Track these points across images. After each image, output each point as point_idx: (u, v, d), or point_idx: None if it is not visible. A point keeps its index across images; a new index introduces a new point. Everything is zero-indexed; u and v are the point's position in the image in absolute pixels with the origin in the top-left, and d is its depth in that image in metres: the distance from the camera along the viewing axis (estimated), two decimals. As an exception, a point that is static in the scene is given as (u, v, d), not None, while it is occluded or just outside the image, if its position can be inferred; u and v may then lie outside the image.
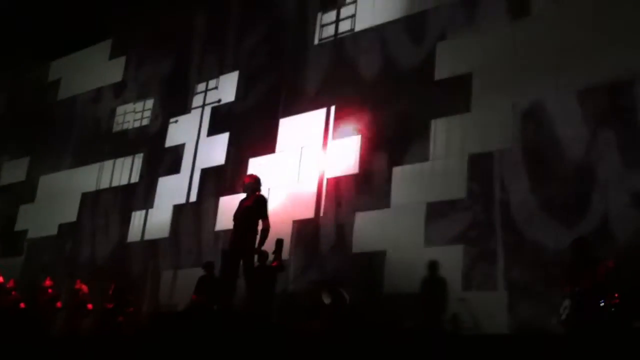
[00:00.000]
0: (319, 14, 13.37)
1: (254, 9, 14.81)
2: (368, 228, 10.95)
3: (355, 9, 12.79)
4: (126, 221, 14.97)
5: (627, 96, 8.91)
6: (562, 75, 9.53)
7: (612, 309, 6.88)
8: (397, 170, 10.95)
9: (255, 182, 8.48)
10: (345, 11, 12.97)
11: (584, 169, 8.97)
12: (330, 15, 13.18)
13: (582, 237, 7.84)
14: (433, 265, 9.70)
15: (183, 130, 14.93)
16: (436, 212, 10.19)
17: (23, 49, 18.63)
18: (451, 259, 9.68)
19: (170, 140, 15.12)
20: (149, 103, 16.15)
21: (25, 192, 17.89)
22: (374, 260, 10.58)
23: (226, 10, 15.39)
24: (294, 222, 11.88)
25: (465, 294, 9.41)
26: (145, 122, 16.03)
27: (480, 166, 9.97)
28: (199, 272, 11.25)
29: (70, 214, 16.38)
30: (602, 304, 6.86)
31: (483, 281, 9.42)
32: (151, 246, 14.26)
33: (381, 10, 12.31)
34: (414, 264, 9.84)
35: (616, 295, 6.97)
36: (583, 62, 9.40)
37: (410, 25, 11.73)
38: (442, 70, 10.96)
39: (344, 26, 12.87)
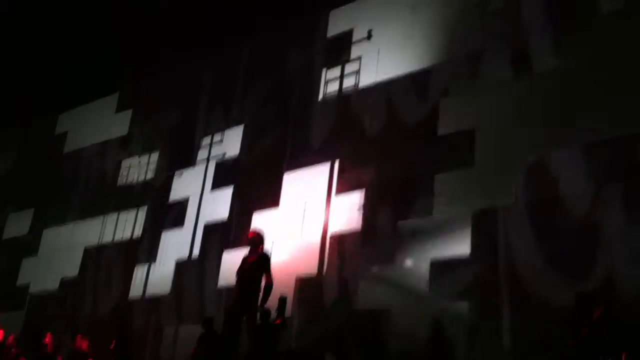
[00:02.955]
0: (324, 70, 13.52)
1: (260, 64, 15.01)
2: (372, 284, 10.84)
3: (360, 65, 12.94)
4: (128, 276, 14.88)
5: (631, 152, 8.89)
6: (565, 132, 9.55)
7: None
8: (401, 225, 10.90)
9: (259, 236, 8.50)
10: (349, 67, 13.11)
11: (589, 225, 8.88)
12: (335, 71, 13.33)
13: (587, 295, 7.78)
14: (438, 323, 9.57)
15: (187, 183, 14.97)
16: (441, 268, 10.09)
17: (32, 101, 18.86)
18: (456, 316, 9.55)
19: (175, 194, 15.14)
20: (154, 156, 16.23)
21: (29, 245, 17.87)
22: (378, 318, 10.44)
23: (232, 65, 15.61)
24: (297, 278, 11.78)
25: (471, 352, 9.24)
26: (150, 175, 16.09)
27: (484, 222, 9.90)
28: (201, 329, 11.12)
29: (72, 268, 16.29)
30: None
31: (489, 338, 9.26)
32: (153, 302, 14.14)
33: (385, 66, 12.44)
34: (419, 321, 9.72)
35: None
36: (586, 118, 9.42)
37: (414, 81, 11.82)
38: (446, 126, 11.00)
39: (349, 82, 13.00)
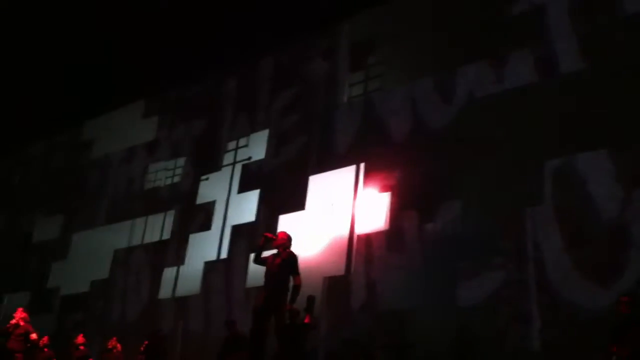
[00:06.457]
0: (348, 74, 13.57)
1: (284, 69, 15.12)
2: (399, 286, 10.84)
3: (384, 69, 12.97)
4: (157, 278, 15.06)
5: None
6: (594, 134, 9.50)
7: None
8: (428, 228, 10.89)
9: (287, 240, 8.52)
10: (374, 70, 13.14)
11: (619, 227, 8.83)
12: (359, 75, 13.36)
13: (631, 293, 7.69)
14: (466, 325, 9.53)
15: (214, 187, 15.11)
16: (469, 270, 10.06)
17: (59, 108, 19.11)
18: (485, 319, 9.53)
19: (201, 198, 15.29)
20: (181, 161, 16.41)
21: (58, 249, 18.13)
22: (405, 319, 10.45)
23: (257, 70, 15.73)
24: (325, 278, 11.85)
25: (499, 356, 9.19)
26: (176, 179, 16.26)
27: (512, 224, 9.86)
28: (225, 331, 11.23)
29: (102, 271, 16.52)
30: None
31: (518, 342, 9.22)
32: (182, 303, 14.30)
33: (410, 69, 12.45)
34: (447, 324, 9.70)
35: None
36: (614, 121, 9.37)
37: (439, 84, 11.83)
38: (472, 129, 10.98)
39: (373, 85, 13.03)
